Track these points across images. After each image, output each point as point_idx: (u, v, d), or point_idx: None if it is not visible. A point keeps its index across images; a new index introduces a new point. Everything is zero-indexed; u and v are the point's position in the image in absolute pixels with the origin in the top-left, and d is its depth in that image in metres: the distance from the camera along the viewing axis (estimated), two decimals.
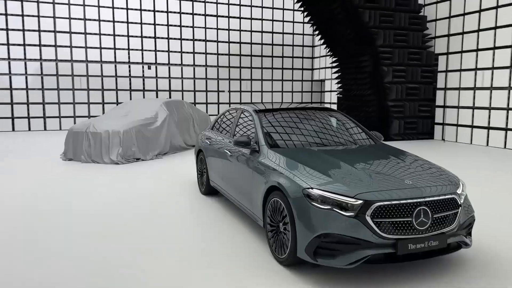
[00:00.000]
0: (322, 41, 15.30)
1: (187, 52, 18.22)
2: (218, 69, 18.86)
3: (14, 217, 4.98)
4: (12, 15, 15.31)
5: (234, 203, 4.86)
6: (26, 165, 8.53)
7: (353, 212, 3.05)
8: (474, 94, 12.50)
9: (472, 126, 12.60)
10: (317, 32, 15.22)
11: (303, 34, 20.25)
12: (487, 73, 12.05)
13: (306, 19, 17.00)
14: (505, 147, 11.53)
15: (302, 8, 14.71)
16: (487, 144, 12.06)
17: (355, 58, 13.95)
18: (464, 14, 12.82)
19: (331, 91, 19.25)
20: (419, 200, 3.16)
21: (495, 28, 11.75)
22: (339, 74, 15.14)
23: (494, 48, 11.80)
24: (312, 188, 3.21)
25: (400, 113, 13.34)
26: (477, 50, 12.36)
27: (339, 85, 15.44)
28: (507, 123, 11.46)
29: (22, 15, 15.46)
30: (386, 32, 13.10)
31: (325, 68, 19.58)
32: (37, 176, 7.46)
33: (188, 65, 18.28)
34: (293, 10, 19.68)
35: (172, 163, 9.09)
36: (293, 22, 19.92)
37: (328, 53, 15.67)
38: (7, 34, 15.35)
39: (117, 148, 8.91)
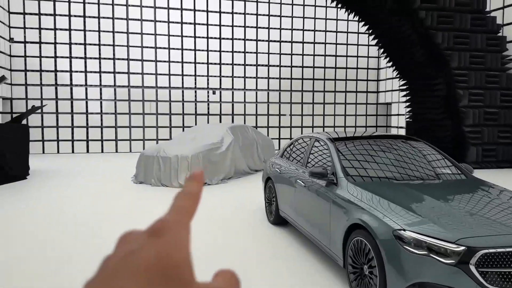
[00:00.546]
0: (390, 63, 14.79)
1: (250, 77, 18.48)
2: (280, 93, 18.90)
3: (88, 240, 5.12)
4: (90, 44, 16.52)
5: (307, 236, 4.63)
6: (100, 188, 8.90)
7: (454, 259, 2.70)
8: None
9: None
10: (384, 55, 14.76)
11: (368, 57, 19.79)
12: None
13: (373, 42, 16.61)
14: None
15: (369, 31, 14.38)
16: None
17: (427, 80, 13.28)
18: None
19: (398, 114, 18.48)
20: None
21: None
22: (409, 97, 14.48)
23: None
24: (404, 230, 2.91)
25: (477, 139, 12.39)
26: None
27: (409, 108, 14.74)
28: None
29: (99, 44, 16.62)
30: (461, 54, 12.36)
31: (392, 91, 18.90)
32: (111, 199, 7.73)
33: (250, 89, 18.52)
34: (358, 32, 19.36)
35: (237, 188, 9.05)
36: (358, 44, 19.57)
37: (397, 76, 15.10)
38: (85, 62, 16.54)
39: (185, 172, 9.05)
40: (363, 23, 14.19)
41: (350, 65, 19.61)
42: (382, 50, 14.69)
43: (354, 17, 14.23)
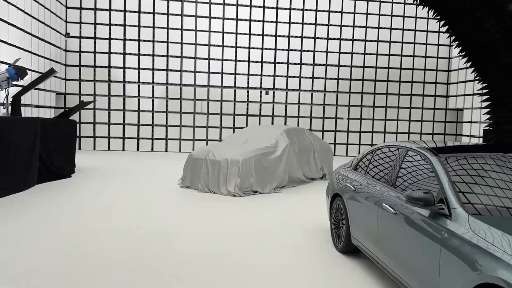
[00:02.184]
0: (468, 64, 13.06)
1: (306, 77, 17.38)
2: (337, 95, 17.63)
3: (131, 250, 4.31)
4: (144, 41, 16.19)
5: (392, 278, 3.50)
6: (143, 192, 8.23)
7: None
8: None
9: None
10: (461, 55, 13.06)
11: (438, 57, 17.99)
12: None
13: (444, 42, 14.93)
14: None
15: (444, 29, 12.77)
16: None
17: None
18: None
19: (471, 122, 16.55)
20: None
21: None
22: (489, 103, 12.70)
23: None
24: None
25: None
26: None
27: (488, 116, 12.95)
28: None
29: (153, 41, 16.26)
30: None
31: (464, 95, 17.00)
32: (151, 208, 6.99)
33: (306, 90, 17.42)
34: (427, 31, 17.66)
35: (293, 199, 8.02)
36: (426, 44, 17.83)
37: (476, 78, 13.34)
38: (139, 59, 16.24)
39: (235, 179, 8.15)
40: (437, 18, 12.61)
41: (417, 66, 17.91)
42: (458, 49, 13.01)
43: (428, 11, 12.70)
